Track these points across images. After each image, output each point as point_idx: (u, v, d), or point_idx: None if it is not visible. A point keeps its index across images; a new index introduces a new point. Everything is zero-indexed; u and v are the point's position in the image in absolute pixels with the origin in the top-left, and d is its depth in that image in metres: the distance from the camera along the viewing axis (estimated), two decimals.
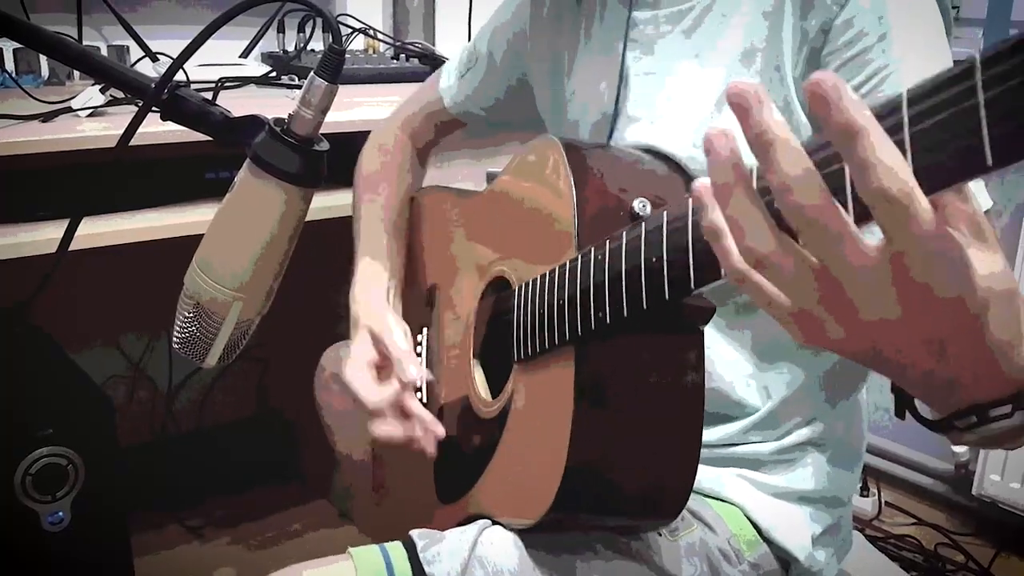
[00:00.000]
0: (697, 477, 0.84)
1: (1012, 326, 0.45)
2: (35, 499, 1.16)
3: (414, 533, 0.78)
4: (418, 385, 0.93)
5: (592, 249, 0.67)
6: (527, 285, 0.77)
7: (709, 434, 0.84)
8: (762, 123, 0.41)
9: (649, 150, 0.81)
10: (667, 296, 0.58)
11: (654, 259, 0.59)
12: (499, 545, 0.76)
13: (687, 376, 0.70)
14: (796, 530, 0.84)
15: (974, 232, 0.45)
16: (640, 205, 0.71)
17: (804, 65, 0.74)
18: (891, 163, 0.38)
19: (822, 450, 0.86)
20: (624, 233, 0.63)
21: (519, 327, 0.78)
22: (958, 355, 0.45)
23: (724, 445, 0.85)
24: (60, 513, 1.18)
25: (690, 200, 0.54)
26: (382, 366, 0.92)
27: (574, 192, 0.73)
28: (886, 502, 1.96)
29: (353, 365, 0.93)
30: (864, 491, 1.95)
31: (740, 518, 0.84)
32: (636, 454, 0.71)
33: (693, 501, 0.84)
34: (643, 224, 0.61)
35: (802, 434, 0.85)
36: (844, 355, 0.47)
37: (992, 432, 0.50)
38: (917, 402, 0.53)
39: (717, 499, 0.85)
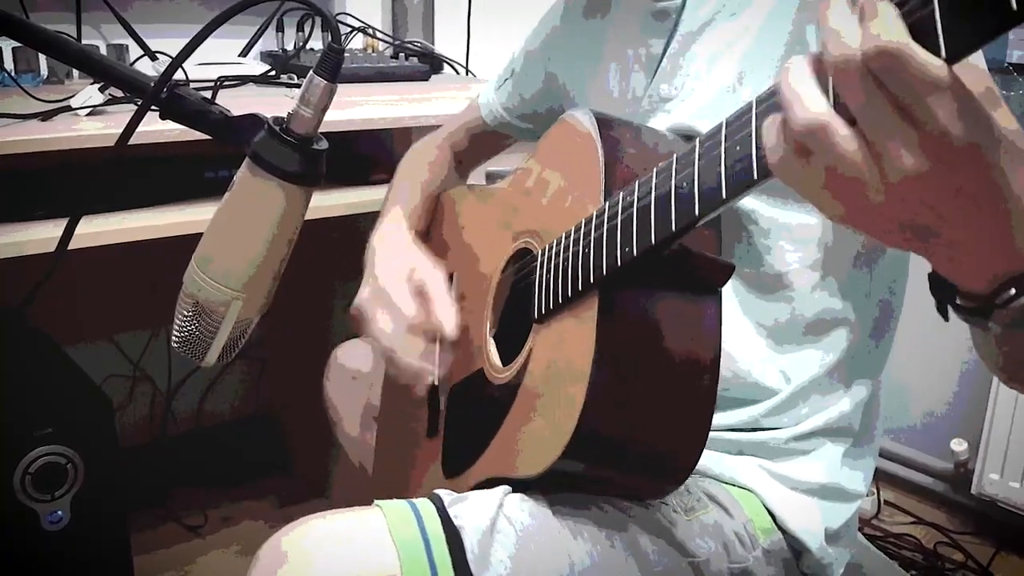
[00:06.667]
0: (715, 464, 0.85)
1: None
2: (34, 498, 1.16)
3: (439, 491, 0.78)
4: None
5: (619, 194, 0.68)
6: (551, 244, 0.78)
7: (726, 418, 0.84)
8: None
9: (671, 129, 0.83)
10: (697, 213, 0.58)
11: (684, 183, 0.60)
12: (526, 508, 0.77)
13: (705, 333, 0.70)
14: (811, 521, 0.85)
15: (989, 100, 0.48)
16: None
17: None
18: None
19: (837, 442, 0.87)
20: (654, 170, 0.64)
21: (541, 284, 0.78)
22: (980, 210, 0.45)
23: (741, 430, 0.85)
24: (59, 512, 1.18)
25: (723, 124, 0.56)
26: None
27: (602, 152, 0.74)
28: (885, 501, 1.96)
29: (393, 283, 0.92)
30: None
31: (757, 504, 0.84)
32: (651, 408, 0.71)
33: (711, 484, 0.84)
34: (674, 155, 0.62)
35: (818, 420, 0.85)
36: (883, 234, 0.48)
37: None
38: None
39: (734, 485, 0.85)
